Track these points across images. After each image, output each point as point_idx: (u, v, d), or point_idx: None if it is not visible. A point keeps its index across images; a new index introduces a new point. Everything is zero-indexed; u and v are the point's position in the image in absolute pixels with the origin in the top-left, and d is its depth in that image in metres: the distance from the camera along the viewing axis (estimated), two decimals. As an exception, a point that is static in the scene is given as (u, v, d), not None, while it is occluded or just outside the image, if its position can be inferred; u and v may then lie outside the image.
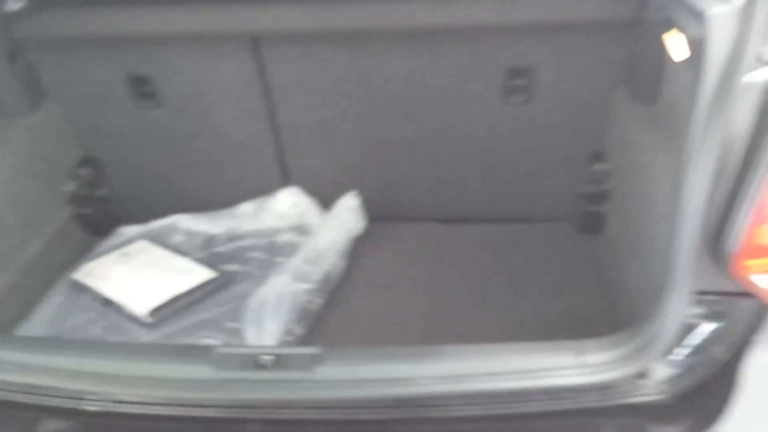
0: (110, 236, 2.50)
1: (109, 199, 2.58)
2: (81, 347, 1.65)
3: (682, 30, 1.60)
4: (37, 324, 2.09)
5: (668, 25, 1.74)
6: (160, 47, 2.27)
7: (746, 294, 1.39)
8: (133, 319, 2.08)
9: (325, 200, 2.54)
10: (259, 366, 1.52)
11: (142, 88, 2.36)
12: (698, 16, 1.38)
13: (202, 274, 2.24)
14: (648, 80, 1.99)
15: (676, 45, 1.69)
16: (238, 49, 2.26)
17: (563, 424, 1.51)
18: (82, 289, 2.20)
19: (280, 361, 1.53)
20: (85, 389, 1.52)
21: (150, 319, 2.06)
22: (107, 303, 2.13)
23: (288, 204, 2.54)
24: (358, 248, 2.44)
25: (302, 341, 2.04)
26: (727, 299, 1.44)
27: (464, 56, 2.23)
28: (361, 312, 2.19)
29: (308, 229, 2.46)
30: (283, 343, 1.98)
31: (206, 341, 1.97)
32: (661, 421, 1.46)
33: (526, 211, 2.55)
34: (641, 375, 1.45)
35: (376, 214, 2.53)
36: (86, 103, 2.40)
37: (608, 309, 2.12)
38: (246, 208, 2.55)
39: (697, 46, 1.42)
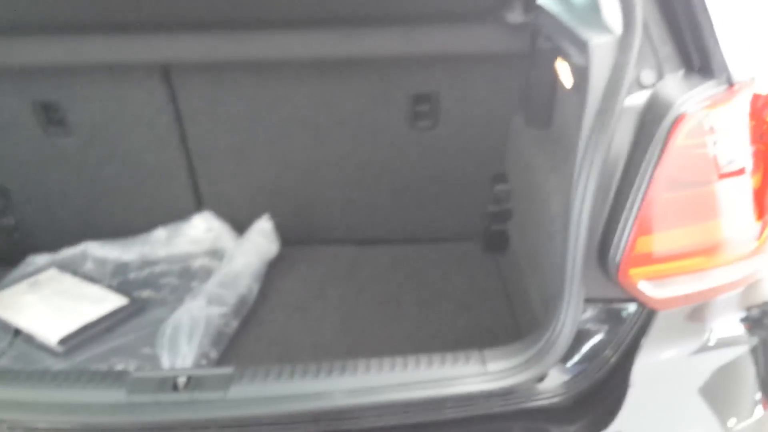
0: (19, 266, 2.46)
1: (17, 228, 2.54)
2: None
3: (568, 58, 1.74)
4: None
5: (557, 54, 1.88)
6: (69, 75, 2.27)
7: (633, 300, 1.50)
8: (44, 348, 2.06)
9: (239, 224, 2.57)
10: (173, 388, 1.54)
11: (51, 115, 2.35)
12: (582, 46, 1.50)
13: (114, 301, 2.23)
14: (541, 106, 2.12)
15: (564, 72, 1.83)
16: (149, 77, 2.28)
17: (472, 429, 1.58)
18: (-11, 319, 2.16)
19: (194, 383, 1.55)
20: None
21: (61, 348, 2.04)
22: (17, 333, 2.09)
23: (202, 229, 2.56)
24: (272, 271, 2.48)
25: (217, 364, 2.06)
26: (615, 306, 1.55)
27: (372, 83, 2.32)
28: (275, 334, 2.23)
29: (222, 253, 2.48)
30: (198, 367, 2.00)
31: (119, 367, 1.97)
32: (561, 422, 1.55)
33: (434, 231, 2.65)
34: (540, 380, 1.54)
35: (289, 237, 2.58)
36: None
37: (512, 321, 2.23)
38: (159, 233, 2.55)
39: (582, 73, 1.55)
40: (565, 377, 1.56)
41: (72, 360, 2.02)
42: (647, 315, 1.55)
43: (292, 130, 2.42)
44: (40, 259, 2.49)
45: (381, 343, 2.18)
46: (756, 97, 1.48)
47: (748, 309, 1.61)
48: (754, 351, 1.59)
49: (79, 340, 2.08)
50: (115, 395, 1.52)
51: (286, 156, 2.48)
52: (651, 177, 1.39)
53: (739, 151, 1.44)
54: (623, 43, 1.41)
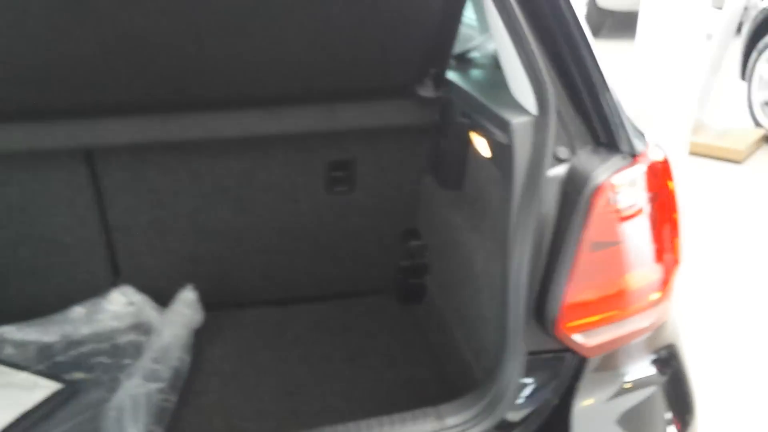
0: (-69, 356, 2.36)
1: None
2: None
3: (487, 134, 1.94)
4: None
5: (472, 128, 2.08)
6: None
7: (568, 349, 1.70)
8: (-20, 444, 2.01)
9: (159, 295, 2.58)
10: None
11: None
12: (504, 125, 1.70)
13: (47, 386, 2.20)
14: (452, 171, 2.32)
15: (480, 145, 2.03)
16: (70, 160, 2.29)
17: None
18: None
19: None
20: None
21: (-1, 442, 2.00)
22: (-52, 432, 2.03)
23: (122, 303, 2.56)
24: (200, 340, 2.52)
25: (164, 441, 2.09)
26: (553, 355, 1.74)
27: (291, 154, 2.45)
28: (215, 404, 2.27)
29: (148, 326, 2.49)
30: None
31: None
32: None
33: (351, 287, 2.79)
34: (499, 427, 1.71)
35: (211, 303, 2.63)
36: None
37: (437, 371, 2.39)
38: (78, 311, 2.52)
39: (502, 148, 1.75)
40: (516, 422, 1.73)
41: (13, 453, 1.98)
42: (579, 361, 1.76)
43: (214, 200, 2.49)
44: (-48, 346, 2.40)
45: (317, 403, 2.27)
46: (653, 163, 1.73)
47: (657, 351, 1.85)
48: (664, 387, 1.84)
49: (18, 431, 2.03)
50: None
51: (207, 226, 2.54)
52: (579, 240, 1.59)
53: (638, 198, 1.67)
54: (540, 123, 1.62)
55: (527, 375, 1.72)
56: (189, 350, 2.43)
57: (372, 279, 2.77)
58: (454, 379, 2.28)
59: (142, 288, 2.59)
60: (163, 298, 2.58)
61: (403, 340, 2.55)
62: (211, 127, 2.30)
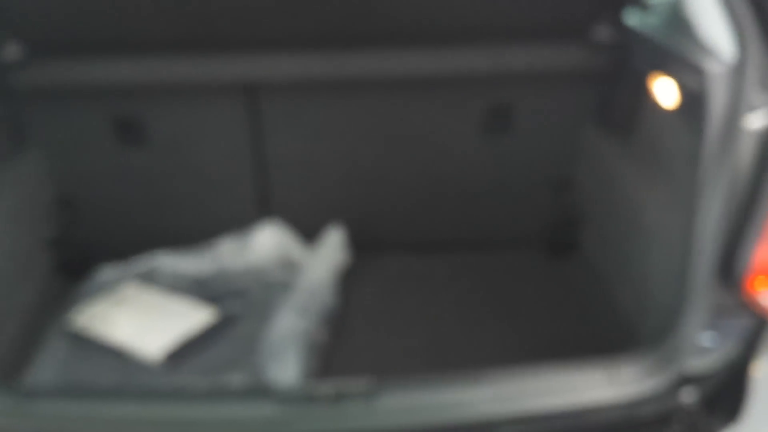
0: (92, 276, 2.45)
1: (85, 240, 2.54)
2: (137, 396, 1.65)
3: (675, 81, 1.83)
4: (46, 374, 2.03)
5: (653, 75, 1.97)
6: (151, 92, 2.29)
7: (751, 308, 1.61)
8: (147, 364, 2.08)
9: (305, 232, 2.60)
10: (321, 400, 1.60)
11: (127, 130, 2.36)
12: (696, 72, 1.60)
13: (204, 314, 2.26)
14: (622, 119, 2.22)
15: (665, 93, 1.92)
16: (231, 94, 2.32)
17: None
18: (85, 337, 2.16)
19: (340, 395, 1.61)
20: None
21: (164, 364, 2.07)
22: (117, 350, 2.11)
23: (270, 239, 2.58)
24: (346, 281, 2.53)
25: (318, 374, 2.11)
26: (736, 313, 1.65)
27: (447, 96, 2.40)
28: (363, 344, 2.28)
29: (296, 264, 2.51)
30: (304, 377, 2.04)
31: (231, 381, 2.00)
32: (694, 420, 1.66)
33: (496, 236, 2.73)
34: (675, 382, 1.64)
35: (354, 243, 2.63)
36: (68, 146, 2.37)
37: (590, 327, 2.31)
38: (228, 244, 2.57)
39: (692, 97, 1.64)
40: (693, 378, 1.66)
41: (178, 375, 2.04)
42: (761, 321, 1.66)
43: (367, 141, 2.48)
44: (111, 270, 2.48)
45: (465, 352, 2.25)
46: None
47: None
48: None
49: (180, 354, 2.10)
50: (267, 409, 1.57)
51: (358, 166, 2.53)
52: None
53: None
54: (738, 70, 1.51)
55: (707, 331, 1.65)
56: (336, 290, 2.44)
57: (519, 229, 2.70)
58: (609, 336, 2.21)
59: (290, 224, 2.61)
60: (309, 235, 2.60)
61: (551, 293, 2.49)
62: (372, 67, 2.27)
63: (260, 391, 1.64)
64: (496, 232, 2.71)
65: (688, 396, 1.64)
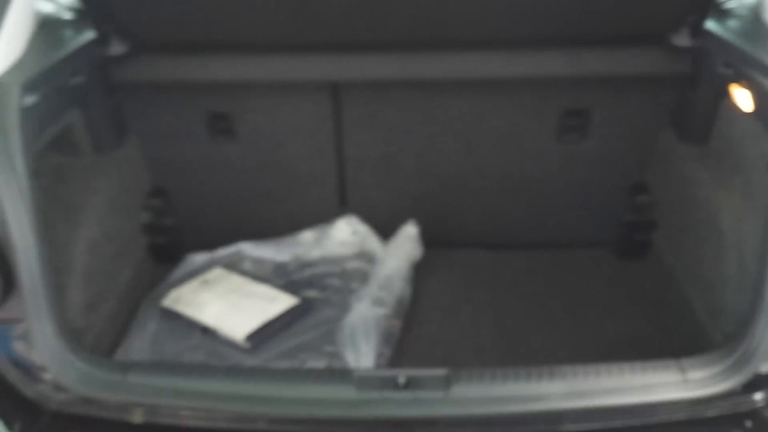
0: (181, 263, 2.61)
1: (176, 227, 2.69)
2: (224, 372, 1.77)
3: (754, 87, 1.84)
4: (135, 350, 2.19)
5: (734, 80, 1.98)
6: (243, 89, 2.43)
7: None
8: (232, 344, 2.21)
9: (380, 227, 2.70)
10: (396, 386, 1.68)
11: (219, 124, 2.50)
12: None
13: (286, 300, 2.38)
14: (699, 123, 2.23)
15: (744, 98, 1.94)
16: (317, 92, 2.43)
17: None
18: (173, 316, 2.31)
19: (415, 382, 1.69)
20: (244, 411, 1.65)
21: (247, 344, 2.19)
22: (205, 330, 2.25)
23: (348, 232, 2.69)
24: (418, 273, 2.61)
25: (390, 363, 2.20)
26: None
27: (525, 98, 2.45)
28: (434, 335, 2.36)
29: (372, 256, 2.62)
30: (377, 365, 2.14)
31: (309, 364, 2.11)
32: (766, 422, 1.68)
33: (566, 238, 2.77)
34: (747, 385, 1.66)
35: (427, 240, 2.71)
36: (163, 137, 2.52)
37: (659, 329, 2.34)
38: (308, 235, 2.70)
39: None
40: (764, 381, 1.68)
41: (260, 356, 2.16)
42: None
43: (443, 140, 2.55)
44: (199, 257, 2.64)
45: (535, 348, 2.30)
46: None
47: None
48: None
49: (262, 336, 2.22)
50: (345, 392, 1.67)
51: (433, 165, 2.61)
52: None
53: None
54: None
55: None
56: (410, 282, 2.52)
57: (589, 231, 2.73)
58: (679, 338, 2.23)
59: (366, 219, 2.71)
60: (384, 230, 2.69)
61: (622, 294, 2.52)
62: (451, 68, 2.35)
63: (340, 374, 1.73)
64: (569, 232, 2.75)
65: (761, 398, 1.67)
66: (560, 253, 2.75)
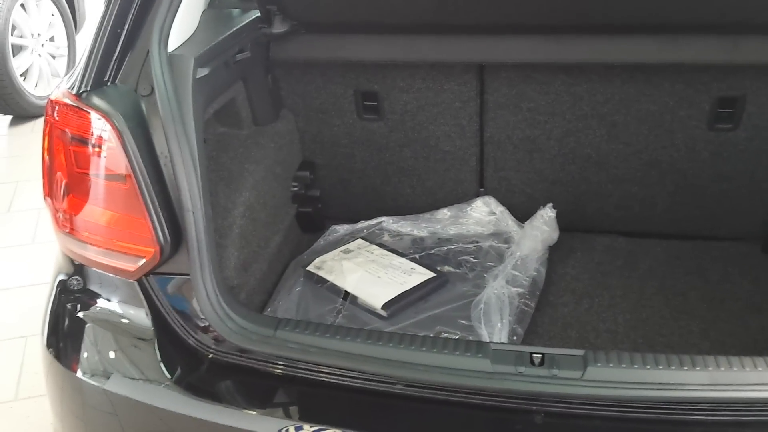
0: (325, 233, 2.76)
1: (321, 199, 2.84)
2: (365, 334, 1.87)
3: None
4: (282, 309, 2.34)
5: None
6: (392, 69, 2.53)
7: None
8: (370, 311, 2.32)
9: (517, 210, 2.74)
10: (531, 363, 1.73)
11: (367, 102, 2.61)
12: None
13: (422, 273, 2.46)
14: None
15: None
16: (464, 73, 2.48)
17: None
18: (317, 280, 2.45)
19: (550, 360, 1.72)
20: (383, 373, 1.75)
21: (385, 312, 2.30)
22: (346, 295, 2.37)
23: (485, 212, 2.75)
24: (553, 256, 2.63)
25: (524, 341, 2.24)
26: None
27: (677, 85, 2.40)
28: (568, 317, 2.37)
29: (508, 236, 2.66)
30: (511, 342, 2.19)
31: (445, 335, 2.19)
32: None
33: (709, 229, 2.70)
34: None
35: (564, 225, 2.71)
36: (314, 113, 2.66)
37: None
38: (445, 213, 2.77)
39: None
40: None
41: (397, 324, 2.26)
42: None
43: (587, 125, 2.54)
44: (341, 228, 2.77)
45: (677, 337, 2.27)
46: None
47: None
48: None
49: (399, 305, 2.32)
50: (482, 364, 1.73)
51: (575, 149, 2.61)
52: None
53: None
54: None
55: None
56: (545, 264, 2.55)
57: (735, 224, 2.65)
58: None
59: (503, 200, 2.75)
60: (520, 212, 2.72)
61: (766, 287, 2.43)
62: (601, 52, 2.34)
63: (477, 345, 1.79)
64: (714, 224, 2.68)
65: None
66: (702, 244, 2.68)
